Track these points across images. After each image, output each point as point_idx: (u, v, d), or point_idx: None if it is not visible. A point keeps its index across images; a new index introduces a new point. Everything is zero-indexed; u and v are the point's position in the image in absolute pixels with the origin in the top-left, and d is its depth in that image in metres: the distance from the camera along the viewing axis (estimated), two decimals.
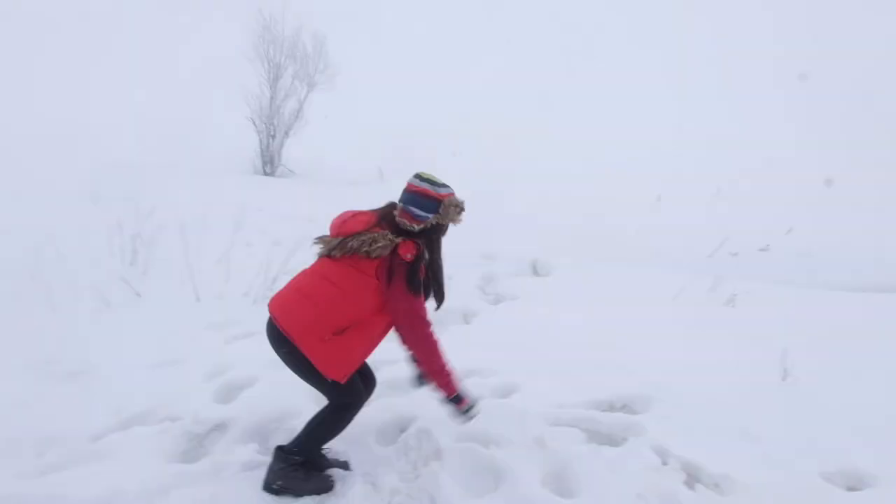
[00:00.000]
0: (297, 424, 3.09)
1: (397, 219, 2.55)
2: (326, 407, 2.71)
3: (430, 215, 2.53)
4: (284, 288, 2.70)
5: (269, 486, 2.61)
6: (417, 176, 2.59)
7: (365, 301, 2.51)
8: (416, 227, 2.53)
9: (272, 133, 11.81)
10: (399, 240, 2.46)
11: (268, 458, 2.85)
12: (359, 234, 2.47)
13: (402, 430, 3.12)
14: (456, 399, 2.62)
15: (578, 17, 16.97)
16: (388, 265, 2.47)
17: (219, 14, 17.40)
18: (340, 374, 2.52)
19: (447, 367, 2.60)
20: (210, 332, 4.51)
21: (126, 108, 13.40)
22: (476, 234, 8.10)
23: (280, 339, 2.56)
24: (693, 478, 2.76)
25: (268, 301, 2.69)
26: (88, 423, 3.23)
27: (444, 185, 2.58)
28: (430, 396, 3.41)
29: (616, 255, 7.76)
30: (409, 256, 2.46)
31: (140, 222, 5.79)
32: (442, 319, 4.91)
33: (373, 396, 3.46)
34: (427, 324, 2.57)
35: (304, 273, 2.70)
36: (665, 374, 3.72)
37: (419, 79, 15.73)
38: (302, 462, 2.64)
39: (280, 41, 12.01)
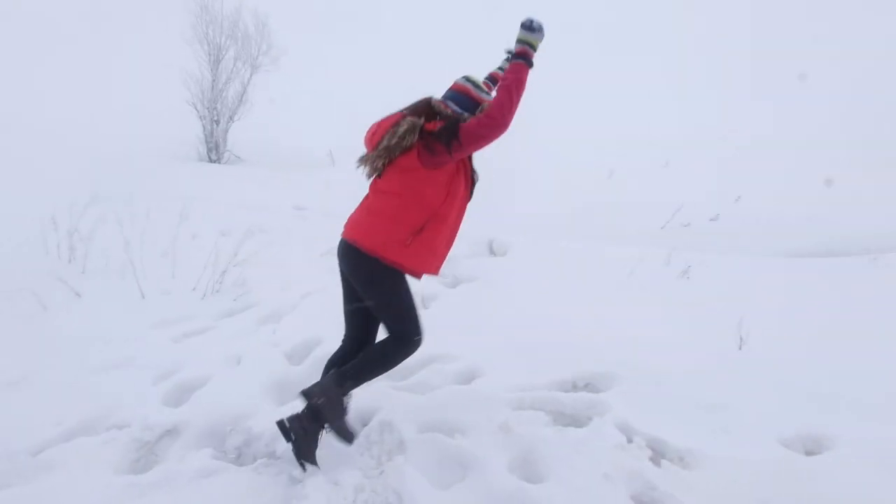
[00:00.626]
0: (254, 425, 2.98)
1: (433, 103, 2.62)
2: (385, 339, 2.75)
3: (466, 113, 2.59)
4: (353, 213, 2.75)
5: (311, 398, 2.61)
6: (465, 77, 2.66)
7: (426, 195, 2.53)
8: (449, 112, 2.59)
9: (216, 118, 11.36)
10: (422, 120, 2.50)
11: (224, 464, 2.73)
12: (385, 136, 2.52)
13: (364, 424, 3.03)
14: (526, 58, 2.45)
15: (578, 17, 16.88)
16: (424, 145, 2.48)
17: None
18: (433, 268, 2.66)
19: (509, 82, 2.40)
20: (157, 330, 4.30)
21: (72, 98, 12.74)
22: None
23: (359, 260, 2.60)
24: (658, 454, 2.77)
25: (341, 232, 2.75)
26: (29, 435, 3.02)
27: (486, 93, 2.65)
28: (391, 387, 3.35)
29: (571, 232, 7.78)
30: (437, 127, 2.50)
31: (77, 217, 5.46)
32: None
33: None
34: (487, 110, 2.44)
35: (365, 197, 2.74)
36: (625, 349, 3.73)
37: (400, 72, 15.41)
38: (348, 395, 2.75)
39: (219, 21, 11.51)
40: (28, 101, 12.18)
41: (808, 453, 2.85)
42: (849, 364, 3.61)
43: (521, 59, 2.44)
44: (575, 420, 3.09)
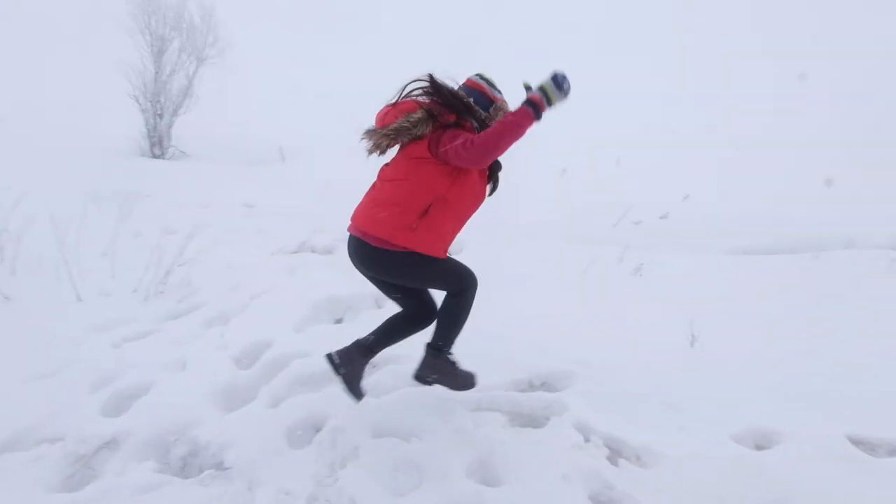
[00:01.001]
0: (200, 434, 2.84)
1: (456, 90, 2.63)
2: (445, 299, 2.81)
3: (482, 112, 2.64)
4: (359, 205, 2.75)
5: (423, 379, 2.86)
6: (478, 75, 2.70)
7: (433, 181, 2.53)
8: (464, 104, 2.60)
9: (159, 112, 10.93)
10: (436, 113, 2.53)
11: (168, 476, 2.58)
12: (398, 119, 2.54)
13: (316, 430, 2.92)
14: (536, 109, 2.34)
15: (578, 17, 16.85)
16: (437, 136, 2.51)
17: None
18: (439, 250, 2.61)
19: (507, 123, 2.33)
20: (95, 334, 4.06)
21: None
22: None
23: (369, 253, 2.62)
24: (616, 452, 2.76)
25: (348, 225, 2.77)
26: None
27: (500, 91, 2.70)
28: (340, 393, 3.25)
29: (521, 230, 7.79)
30: (452, 119, 2.54)
31: (5, 215, 5.13)
32: (353, 305, 4.73)
33: (281, 395, 3.26)
34: (476, 138, 2.38)
35: (371, 187, 2.75)
36: (581, 348, 3.73)
37: (371, 70, 15.12)
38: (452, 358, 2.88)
39: (162, 11, 11.06)
40: None
41: (759, 448, 2.90)
42: (794, 359, 3.71)
43: (532, 107, 2.33)
44: (532, 420, 3.06)
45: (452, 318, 2.82)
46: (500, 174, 2.86)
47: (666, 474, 2.58)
